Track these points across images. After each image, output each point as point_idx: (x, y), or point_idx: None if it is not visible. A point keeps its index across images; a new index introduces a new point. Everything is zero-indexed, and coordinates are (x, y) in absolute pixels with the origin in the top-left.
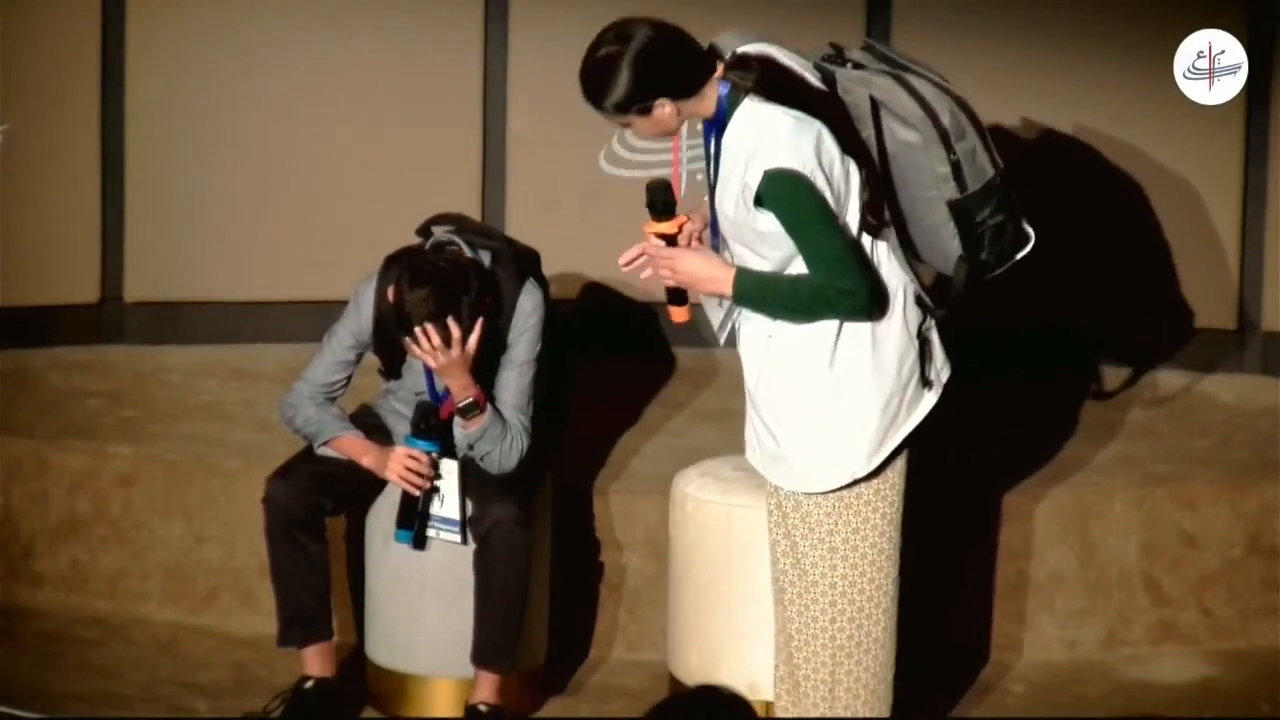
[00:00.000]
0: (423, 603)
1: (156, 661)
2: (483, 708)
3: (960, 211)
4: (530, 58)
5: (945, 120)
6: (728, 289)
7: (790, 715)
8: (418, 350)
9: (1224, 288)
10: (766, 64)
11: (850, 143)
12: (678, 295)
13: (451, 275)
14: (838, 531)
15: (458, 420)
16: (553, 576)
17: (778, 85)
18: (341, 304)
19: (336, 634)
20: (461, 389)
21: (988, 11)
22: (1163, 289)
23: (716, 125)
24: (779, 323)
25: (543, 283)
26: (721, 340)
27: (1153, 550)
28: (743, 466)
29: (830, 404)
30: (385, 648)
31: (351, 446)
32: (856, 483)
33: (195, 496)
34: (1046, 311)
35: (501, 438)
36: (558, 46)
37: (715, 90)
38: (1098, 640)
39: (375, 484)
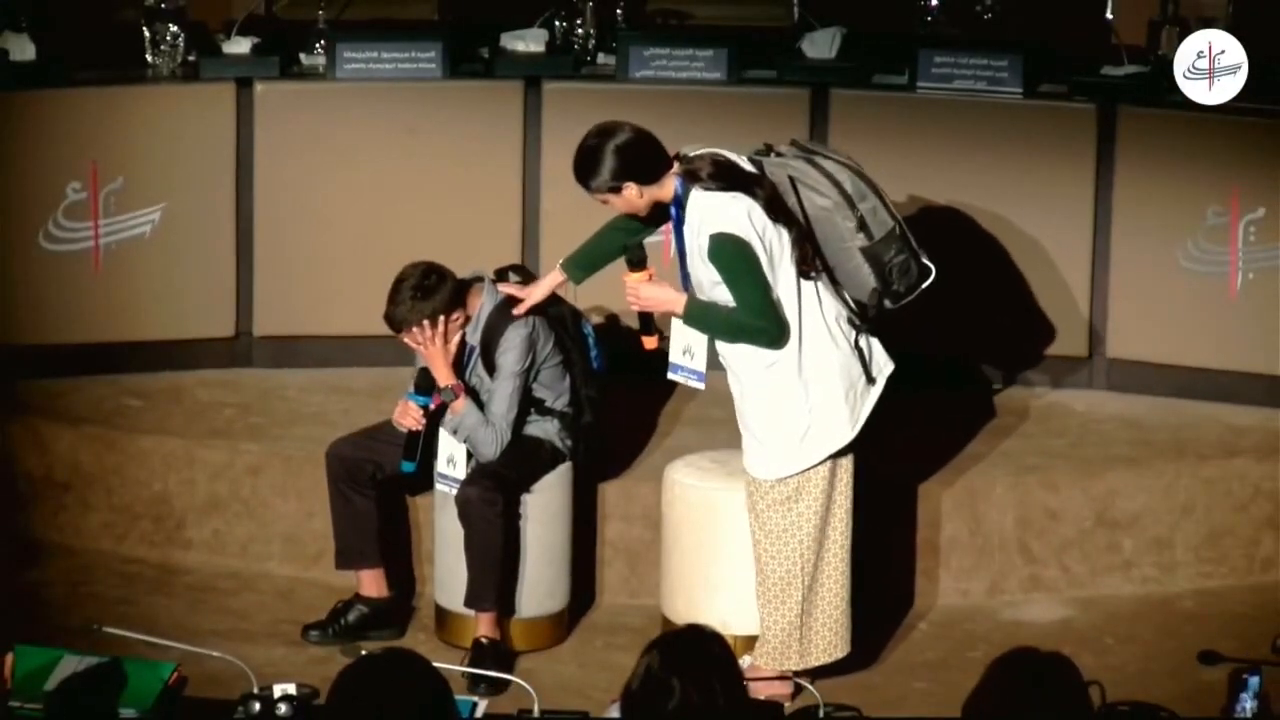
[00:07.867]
0: (462, 559)
1: (276, 606)
2: (484, 640)
3: (871, 255)
4: (557, 155)
5: (848, 186)
6: (679, 310)
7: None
8: (408, 340)
9: (1077, 323)
10: (710, 160)
11: (779, 212)
12: (645, 326)
13: (424, 292)
14: (800, 500)
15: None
16: (574, 542)
17: (718, 173)
18: None
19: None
20: (443, 378)
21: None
22: (1030, 325)
23: (678, 208)
24: (771, 355)
25: (553, 320)
26: (702, 383)
27: (1024, 522)
28: (718, 460)
29: (805, 405)
30: (444, 592)
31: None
32: (824, 460)
33: (305, 482)
34: (944, 343)
35: (479, 428)
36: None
37: (673, 182)
38: (983, 590)
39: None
